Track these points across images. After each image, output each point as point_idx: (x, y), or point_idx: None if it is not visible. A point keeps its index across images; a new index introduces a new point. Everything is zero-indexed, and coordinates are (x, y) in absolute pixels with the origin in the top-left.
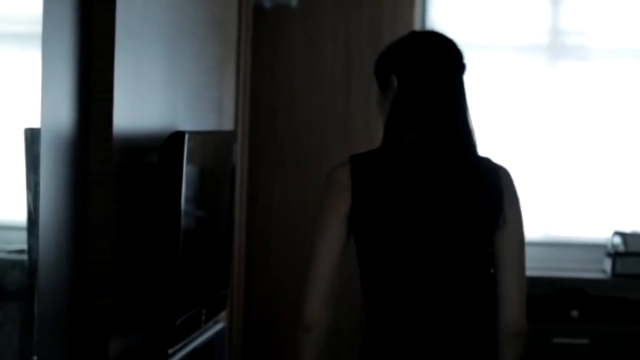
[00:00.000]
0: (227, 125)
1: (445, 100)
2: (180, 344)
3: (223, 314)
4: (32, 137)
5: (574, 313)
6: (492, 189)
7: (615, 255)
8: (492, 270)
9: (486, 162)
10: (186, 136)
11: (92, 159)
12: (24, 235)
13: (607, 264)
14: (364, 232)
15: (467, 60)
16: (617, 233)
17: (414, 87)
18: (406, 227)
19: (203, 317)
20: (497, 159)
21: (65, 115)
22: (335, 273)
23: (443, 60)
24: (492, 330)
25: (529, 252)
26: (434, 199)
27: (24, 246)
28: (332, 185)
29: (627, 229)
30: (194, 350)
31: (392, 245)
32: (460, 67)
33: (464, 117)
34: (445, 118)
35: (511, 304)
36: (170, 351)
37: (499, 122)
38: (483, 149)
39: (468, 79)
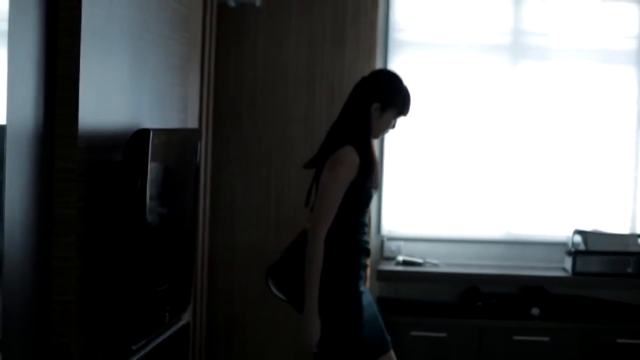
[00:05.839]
0: (192, 123)
1: (343, 114)
2: (144, 341)
3: (187, 310)
4: None
5: (535, 311)
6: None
7: (575, 253)
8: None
9: (334, 149)
10: (151, 134)
11: (57, 156)
12: None
13: (568, 263)
14: None
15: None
16: (577, 232)
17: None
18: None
19: (167, 313)
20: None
21: (30, 112)
22: None
23: (357, 87)
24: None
25: (490, 250)
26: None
27: None
28: None
29: (588, 227)
30: (157, 346)
31: None
32: (369, 96)
33: (347, 123)
34: (337, 123)
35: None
36: (134, 347)
37: (461, 121)
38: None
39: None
